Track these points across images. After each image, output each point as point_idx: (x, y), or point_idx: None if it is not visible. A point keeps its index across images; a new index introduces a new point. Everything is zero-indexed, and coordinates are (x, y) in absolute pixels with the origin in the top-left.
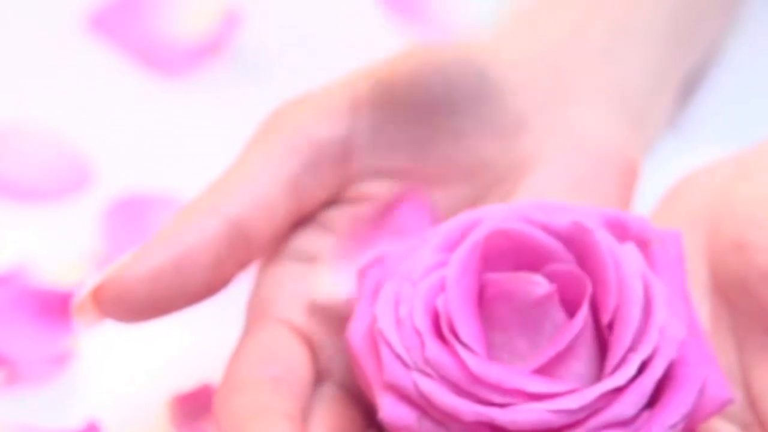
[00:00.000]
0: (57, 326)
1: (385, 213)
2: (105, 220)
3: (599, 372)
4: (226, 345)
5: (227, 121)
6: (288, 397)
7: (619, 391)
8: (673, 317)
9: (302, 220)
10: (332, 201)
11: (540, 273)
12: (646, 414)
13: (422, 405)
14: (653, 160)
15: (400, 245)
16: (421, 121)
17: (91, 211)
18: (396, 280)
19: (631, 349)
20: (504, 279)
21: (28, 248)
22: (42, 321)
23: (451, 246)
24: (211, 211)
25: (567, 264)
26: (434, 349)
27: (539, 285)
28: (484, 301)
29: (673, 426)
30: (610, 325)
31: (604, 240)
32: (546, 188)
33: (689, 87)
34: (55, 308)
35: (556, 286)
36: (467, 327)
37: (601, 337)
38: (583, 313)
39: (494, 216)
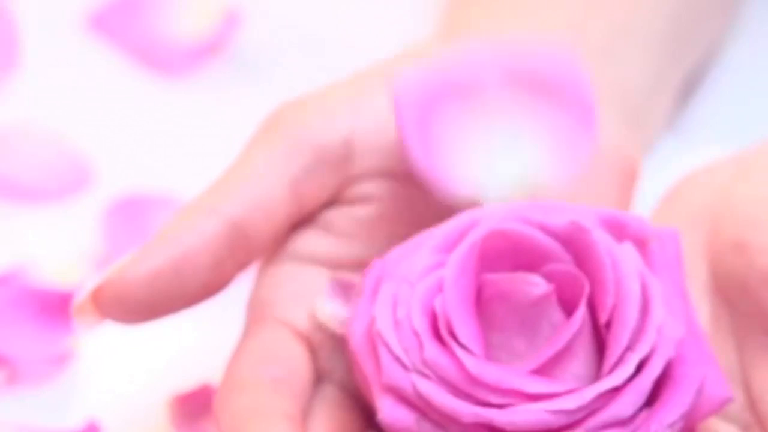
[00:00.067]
0: (57, 326)
1: None
2: (105, 220)
3: (597, 372)
4: (226, 345)
5: (227, 121)
6: (288, 398)
7: (617, 390)
8: (671, 316)
9: (302, 221)
10: (332, 202)
11: (538, 273)
12: (644, 413)
13: (421, 406)
14: (653, 160)
15: (400, 246)
16: None
17: (91, 212)
18: (394, 282)
19: (629, 348)
20: (502, 279)
21: (28, 248)
22: (42, 321)
23: (448, 247)
24: (211, 211)
25: (564, 264)
26: (432, 350)
27: (537, 285)
28: (481, 302)
29: (672, 425)
30: (608, 325)
31: (601, 240)
32: None
33: (689, 87)
34: (55, 308)
35: (553, 286)
36: (465, 328)
37: (599, 337)
38: (581, 312)
39: (492, 216)
